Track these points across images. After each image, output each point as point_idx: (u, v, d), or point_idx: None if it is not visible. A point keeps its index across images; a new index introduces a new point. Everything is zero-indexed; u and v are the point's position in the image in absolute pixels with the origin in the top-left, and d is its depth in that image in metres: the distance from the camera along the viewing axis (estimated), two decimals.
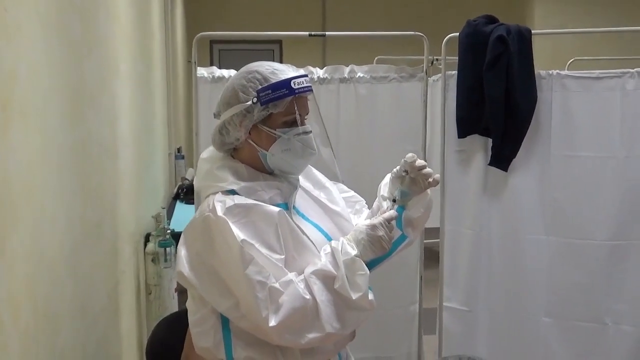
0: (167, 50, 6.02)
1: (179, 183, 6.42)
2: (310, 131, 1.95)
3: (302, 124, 1.93)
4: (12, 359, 1.56)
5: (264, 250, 1.77)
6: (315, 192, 2.09)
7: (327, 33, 3.63)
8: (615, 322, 3.46)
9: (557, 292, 3.50)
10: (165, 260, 3.76)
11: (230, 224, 1.78)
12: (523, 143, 3.42)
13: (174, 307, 3.82)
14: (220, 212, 1.80)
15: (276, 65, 1.95)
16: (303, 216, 1.99)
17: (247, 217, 1.81)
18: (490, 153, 3.48)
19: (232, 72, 3.52)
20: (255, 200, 1.86)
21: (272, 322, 1.72)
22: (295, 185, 1.99)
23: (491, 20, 3.45)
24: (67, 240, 2.13)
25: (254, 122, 1.91)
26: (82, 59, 2.40)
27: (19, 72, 1.65)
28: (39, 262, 1.81)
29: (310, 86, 1.94)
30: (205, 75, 3.47)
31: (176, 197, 6.10)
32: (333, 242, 1.88)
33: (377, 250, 1.85)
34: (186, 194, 6.05)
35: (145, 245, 3.83)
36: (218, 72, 3.50)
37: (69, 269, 2.14)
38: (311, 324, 1.76)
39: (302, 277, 1.80)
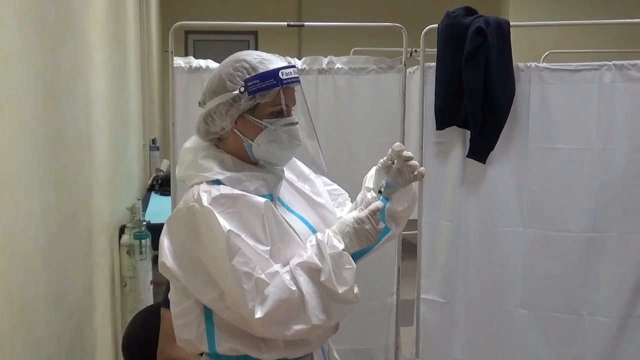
0: (142, 39, 5.95)
1: (154, 174, 6.37)
2: (297, 122, 1.93)
3: (289, 115, 1.92)
4: None
5: (250, 242, 1.75)
6: (299, 184, 2.07)
7: (305, 23, 3.59)
8: (590, 313, 3.48)
9: (534, 284, 3.52)
10: (141, 253, 3.72)
11: (216, 214, 1.76)
12: (501, 135, 3.43)
13: (149, 300, 3.78)
14: (205, 202, 1.78)
15: (264, 54, 1.93)
16: (288, 208, 1.97)
17: (233, 208, 1.79)
18: (468, 145, 3.48)
19: (210, 62, 3.49)
20: (240, 190, 1.83)
21: (259, 314, 1.71)
22: (280, 177, 1.97)
23: (470, 12, 3.44)
24: (42, 231, 2.09)
25: (241, 111, 1.88)
26: (57, 47, 2.36)
27: None
28: (13, 255, 1.77)
29: (298, 77, 1.92)
30: (182, 65, 3.43)
31: (151, 189, 6.05)
32: (318, 234, 1.87)
33: (363, 242, 1.84)
34: (161, 185, 6.01)
35: (120, 237, 3.78)
36: (195, 62, 3.46)
37: (44, 261, 2.11)
38: (297, 316, 1.75)
39: (287, 268, 1.79)
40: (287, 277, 1.76)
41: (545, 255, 3.49)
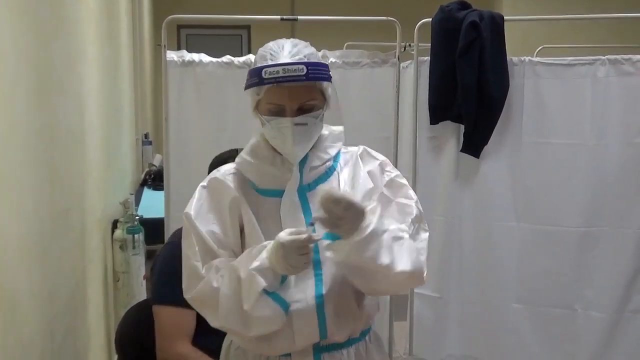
0: (135, 33, 5.93)
1: (147, 169, 6.35)
2: (296, 124, 1.85)
3: (282, 114, 1.86)
4: None
5: (203, 229, 1.85)
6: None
7: (299, 17, 3.57)
8: (584, 308, 3.49)
9: (528, 279, 3.52)
10: (134, 247, 3.71)
11: (196, 194, 1.90)
12: (495, 130, 3.43)
13: (142, 295, 3.77)
14: (204, 182, 1.93)
15: (275, 47, 1.89)
16: (306, 206, 1.91)
17: (211, 192, 1.90)
18: (462, 139, 3.47)
19: (202, 56, 3.48)
20: (251, 176, 1.90)
21: (187, 295, 1.86)
22: (289, 173, 1.91)
23: (464, 6, 3.43)
24: (35, 227, 2.08)
25: (254, 102, 1.90)
26: (50, 42, 2.34)
27: None
28: (5, 250, 1.76)
29: (290, 76, 1.81)
30: (175, 59, 3.41)
31: (144, 184, 6.03)
32: (265, 243, 1.82)
33: (282, 270, 1.77)
34: (154, 180, 5.99)
35: (113, 232, 3.77)
36: (188, 56, 3.44)
37: (37, 256, 2.09)
38: (213, 312, 1.82)
39: (224, 264, 1.84)
40: (216, 274, 1.82)
41: (539, 250, 3.49)
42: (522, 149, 3.46)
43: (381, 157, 2.02)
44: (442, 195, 3.58)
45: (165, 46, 3.36)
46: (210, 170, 2.59)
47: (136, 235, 3.70)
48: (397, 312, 3.81)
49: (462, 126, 3.46)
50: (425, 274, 1.89)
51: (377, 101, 3.64)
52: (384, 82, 3.62)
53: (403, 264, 1.79)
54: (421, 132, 3.56)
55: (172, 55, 3.42)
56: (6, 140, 1.77)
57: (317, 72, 1.83)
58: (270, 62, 1.84)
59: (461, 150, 3.49)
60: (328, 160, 1.95)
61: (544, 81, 3.42)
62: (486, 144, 3.45)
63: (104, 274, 3.57)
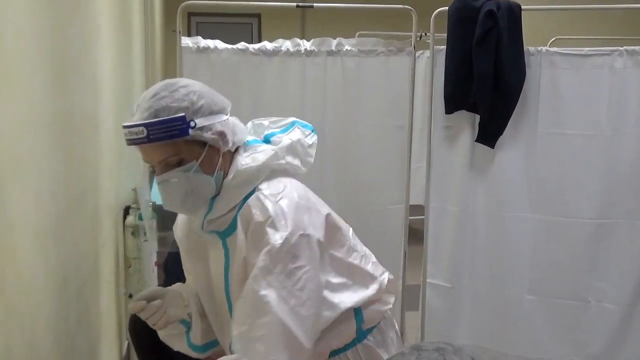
0: (146, 19, 5.91)
1: None
2: (159, 182, 1.93)
3: (159, 172, 1.91)
4: None
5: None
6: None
7: (315, 4, 3.55)
8: (597, 300, 3.47)
9: (541, 270, 3.50)
10: (146, 234, 3.70)
11: None
12: (510, 120, 3.40)
13: (153, 282, 3.76)
14: None
15: (141, 97, 1.92)
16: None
17: None
18: (477, 129, 3.45)
19: (217, 43, 3.46)
20: None
21: None
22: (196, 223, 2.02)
23: None
24: (52, 211, 2.07)
25: None
26: (66, 26, 2.32)
27: (5, 35, 1.58)
28: (23, 232, 1.75)
29: (133, 140, 1.86)
30: (190, 45, 3.39)
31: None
32: None
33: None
34: None
35: (125, 218, 3.76)
36: (203, 42, 3.42)
37: (53, 240, 2.08)
38: None
39: None
40: None
41: (552, 241, 3.48)
42: (537, 139, 3.44)
43: (258, 219, 1.81)
44: (456, 185, 3.56)
45: (180, 32, 3.34)
46: None
47: (149, 222, 3.69)
48: (409, 302, 3.81)
49: (477, 116, 3.44)
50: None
51: (392, 90, 3.62)
52: (399, 71, 3.60)
53: None
54: (436, 122, 3.54)
55: (187, 41, 3.40)
56: (25, 123, 1.76)
57: (160, 132, 1.79)
58: (131, 118, 1.87)
59: (476, 140, 3.47)
60: (230, 210, 1.90)
61: (560, 71, 3.39)
62: (501, 134, 3.42)
63: (115, 260, 3.57)
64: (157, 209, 3.82)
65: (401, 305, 3.76)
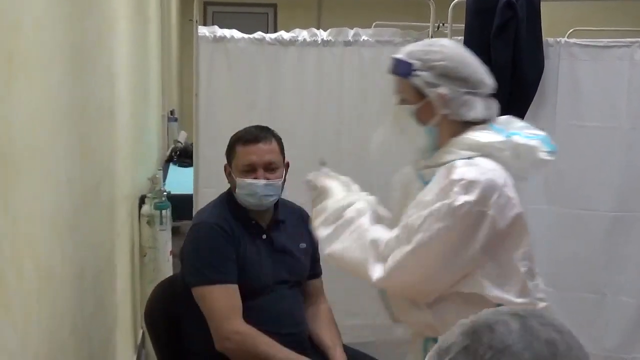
0: (162, 9, 5.91)
1: (172, 146, 6.36)
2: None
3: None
4: (15, 320, 1.51)
5: None
6: None
7: None
8: (614, 293, 3.45)
9: (557, 263, 3.48)
10: (161, 223, 3.71)
11: None
12: (528, 111, 3.37)
13: (168, 271, 3.78)
14: None
15: None
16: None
17: None
18: None
19: (234, 32, 3.44)
20: None
21: None
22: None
23: None
24: (68, 200, 2.07)
25: None
26: (83, 15, 2.32)
27: (23, 24, 1.57)
28: (40, 222, 1.75)
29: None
30: (207, 34, 3.38)
31: (169, 160, 6.05)
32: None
33: None
34: (179, 156, 6.01)
35: (140, 207, 3.77)
36: (219, 31, 3.40)
37: (70, 229, 2.09)
38: None
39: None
40: None
41: (569, 233, 3.46)
42: (555, 131, 3.40)
43: (456, 176, 1.93)
44: None
45: (197, 21, 3.33)
46: (228, 149, 2.59)
47: (164, 211, 3.70)
48: None
49: None
50: (375, 277, 1.95)
51: None
52: None
53: (333, 248, 2.05)
54: None
55: (203, 30, 3.39)
56: (42, 113, 1.76)
57: (393, 66, 2.14)
58: None
59: None
60: (439, 165, 2.01)
61: (579, 63, 3.36)
62: None
63: (131, 249, 3.58)
64: (171, 198, 3.83)
65: None
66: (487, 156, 1.96)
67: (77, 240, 2.20)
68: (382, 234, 2.02)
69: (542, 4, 3.35)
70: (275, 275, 2.57)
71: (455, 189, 1.89)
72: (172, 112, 6.91)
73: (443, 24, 3.63)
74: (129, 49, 3.55)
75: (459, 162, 1.95)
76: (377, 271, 1.95)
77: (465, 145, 1.98)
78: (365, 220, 2.07)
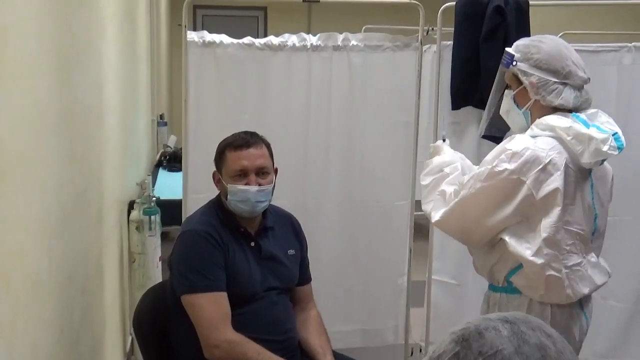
0: (152, 13, 5.89)
1: (162, 150, 6.34)
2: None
3: None
4: (3, 328, 1.50)
5: None
6: None
7: None
8: (603, 297, 3.44)
9: None
10: (150, 229, 3.69)
11: None
12: None
13: (157, 277, 3.76)
14: None
15: None
16: None
17: None
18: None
19: (223, 37, 3.43)
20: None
21: None
22: None
23: None
24: (56, 207, 2.06)
25: None
26: (71, 19, 2.31)
27: (9, 29, 1.56)
28: (28, 230, 1.74)
29: None
30: (196, 39, 3.37)
31: (159, 165, 6.02)
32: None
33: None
34: (169, 161, 5.98)
35: (129, 212, 3.75)
36: (208, 36, 3.39)
37: (58, 236, 2.08)
38: None
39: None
40: None
41: None
42: None
43: (508, 146, 2.24)
44: None
45: (186, 26, 3.32)
46: (217, 155, 2.58)
47: (152, 217, 3.68)
48: (414, 298, 3.79)
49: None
50: (434, 218, 2.37)
51: (398, 85, 3.59)
52: (405, 66, 3.57)
53: (425, 204, 2.47)
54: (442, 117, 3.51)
55: (192, 35, 3.37)
56: (29, 118, 1.75)
57: (503, 57, 2.43)
58: None
59: (483, 136, 3.44)
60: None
61: None
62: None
63: (120, 254, 3.56)
64: (160, 204, 3.81)
65: (406, 301, 3.75)
66: (555, 138, 2.22)
67: (65, 247, 2.19)
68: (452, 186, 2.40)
69: (532, 7, 3.36)
70: (264, 282, 2.56)
71: (502, 156, 2.21)
72: (161, 117, 6.88)
73: (432, 29, 3.63)
74: (118, 54, 3.54)
75: (518, 135, 2.28)
76: (437, 215, 2.36)
77: (541, 125, 2.25)
78: (455, 175, 2.45)
